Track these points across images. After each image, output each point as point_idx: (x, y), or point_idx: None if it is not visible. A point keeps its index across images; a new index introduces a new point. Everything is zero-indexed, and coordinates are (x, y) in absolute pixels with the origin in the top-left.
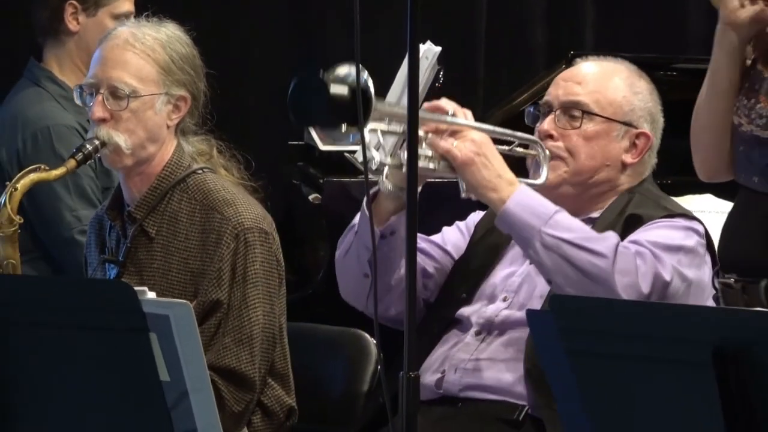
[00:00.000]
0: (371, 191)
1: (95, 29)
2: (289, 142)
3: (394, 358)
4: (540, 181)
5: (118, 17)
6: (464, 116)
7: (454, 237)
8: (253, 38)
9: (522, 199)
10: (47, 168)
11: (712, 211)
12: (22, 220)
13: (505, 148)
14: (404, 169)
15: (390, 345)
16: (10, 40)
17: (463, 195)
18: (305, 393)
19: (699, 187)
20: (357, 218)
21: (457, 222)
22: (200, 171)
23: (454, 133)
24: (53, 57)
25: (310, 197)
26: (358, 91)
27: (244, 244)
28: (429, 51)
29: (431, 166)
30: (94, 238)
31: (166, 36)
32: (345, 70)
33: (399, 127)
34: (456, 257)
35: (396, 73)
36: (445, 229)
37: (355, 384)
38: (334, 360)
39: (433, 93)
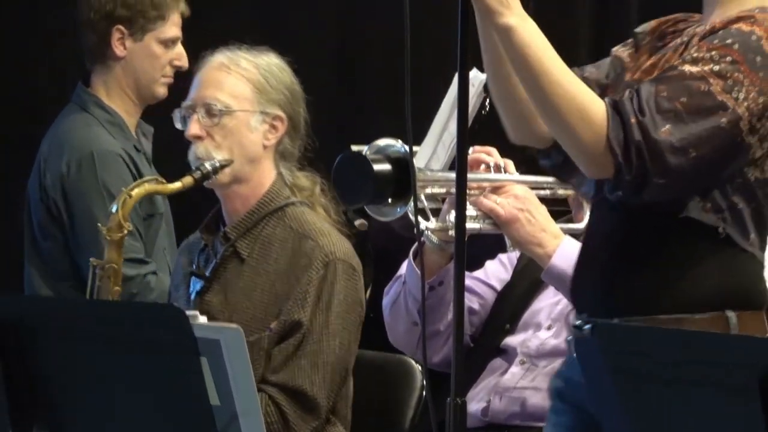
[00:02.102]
0: (418, 245)
1: (142, 54)
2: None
3: (440, 386)
4: (582, 225)
5: (165, 42)
6: (505, 168)
7: (497, 270)
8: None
9: (567, 252)
10: (164, 181)
11: None
12: (131, 227)
13: (547, 192)
14: (450, 232)
15: (435, 374)
16: (59, 63)
17: (509, 250)
18: (352, 418)
19: None
20: (403, 268)
21: (500, 254)
22: (299, 203)
23: (496, 189)
24: (101, 82)
25: (357, 222)
26: (411, 169)
27: (333, 272)
28: (475, 78)
29: (476, 225)
30: (182, 262)
31: (262, 61)
32: (384, 143)
33: (443, 189)
34: (500, 289)
35: (441, 95)
36: (488, 263)
37: (399, 411)
38: (379, 386)
39: (480, 120)
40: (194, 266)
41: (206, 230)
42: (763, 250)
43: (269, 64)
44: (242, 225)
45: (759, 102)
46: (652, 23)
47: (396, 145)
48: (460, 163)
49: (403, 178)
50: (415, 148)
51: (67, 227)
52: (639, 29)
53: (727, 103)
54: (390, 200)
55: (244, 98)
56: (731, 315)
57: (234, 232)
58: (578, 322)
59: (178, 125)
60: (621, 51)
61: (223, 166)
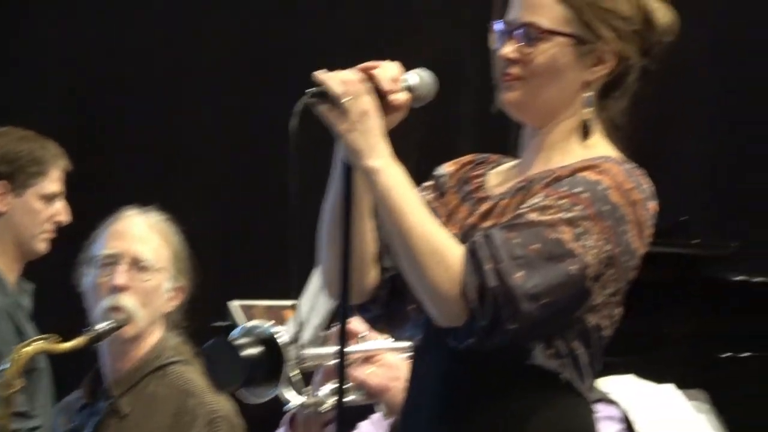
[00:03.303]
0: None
1: (22, 210)
2: (212, 324)
3: None
4: None
5: (46, 197)
6: (377, 336)
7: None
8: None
9: None
10: (59, 339)
11: (634, 394)
12: (23, 384)
13: None
14: (324, 407)
15: None
16: None
17: (384, 418)
18: None
19: (622, 368)
20: None
21: (372, 415)
22: (182, 362)
23: (368, 359)
24: None
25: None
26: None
27: (217, 430)
28: None
29: (349, 397)
30: (59, 422)
31: (172, 229)
32: (251, 325)
33: (316, 363)
34: None
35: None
36: (361, 424)
37: None
38: None
39: None
40: (73, 425)
41: (87, 388)
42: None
43: (177, 232)
44: (125, 382)
45: (605, 250)
46: (450, 167)
47: (263, 326)
48: (341, 337)
49: (273, 359)
50: (280, 328)
51: None
52: (438, 172)
53: (576, 251)
54: (262, 383)
55: (165, 260)
56: None
57: (117, 389)
58: None
59: (93, 269)
60: (422, 194)
61: (117, 328)
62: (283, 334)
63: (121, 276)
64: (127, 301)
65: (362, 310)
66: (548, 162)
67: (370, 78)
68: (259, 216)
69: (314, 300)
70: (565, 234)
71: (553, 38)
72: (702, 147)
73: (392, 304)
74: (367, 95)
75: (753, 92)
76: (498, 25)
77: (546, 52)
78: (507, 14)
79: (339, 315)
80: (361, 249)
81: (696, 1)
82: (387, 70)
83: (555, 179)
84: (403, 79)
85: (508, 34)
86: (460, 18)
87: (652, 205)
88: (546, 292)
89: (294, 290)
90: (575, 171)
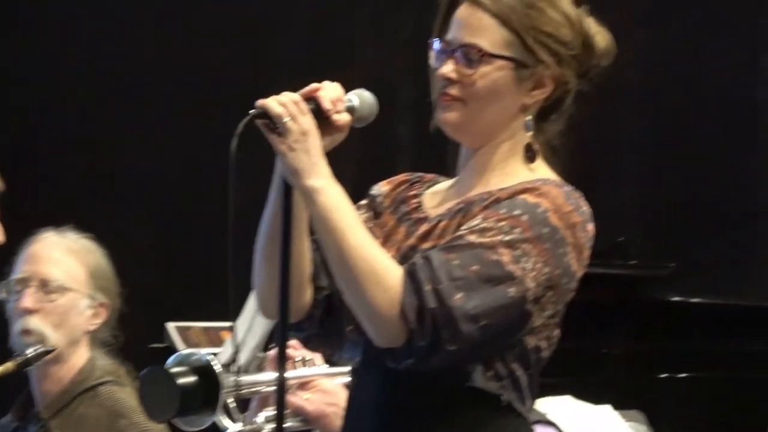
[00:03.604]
0: None
1: None
2: (149, 345)
3: None
4: None
5: None
6: (312, 362)
7: None
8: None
9: None
10: None
11: (571, 415)
12: None
13: None
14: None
15: None
16: None
17: None
18: None
19: (559, 389)
20: None
21: None
22: (111, 382)
23: (304, 385)
24: None
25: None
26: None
27: None
28: None
29: (286, 423)
30: None
31: (92, 246)
32: (187, 352)
33: (252, 390)
34: None
35: None
36: None
37: None
38: None
39: None
40: None
41: (17, 411)
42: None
43: (97, 251)
44: (55, 404)
45: (544, 273)
46: (385, 186)
47: (198, 353)
48: (280, 360)
49: (209, 388)
50: (217, 350)
51: None
52: (374, 191)
53: (515, 273)
54: (198, 411)
55: (78, 280)
56: None
57: (47, 411)
58: None
59: (2, 295)
60: (358, 212)
61: (46, 352)
62: (219, 362)
63: (28, 299)
64: (36, 323)
65: (297, 329)
66: (487, 184)
67: (313, 99)
68: (197, 237)
69: (251, 321)
70: (504, 256)
71: (493, 61)
72: (637, 169)
73: (327, 323)
74: (306, 116)
75: (687, 113)
76: (438, 44)
77: (486, 75)
78: (447, 33)
79: (277, 337)
80: (298, 268)
81: (629, 24)
82: (329, 91)
83: (494, 201)
84: (346, 100)
85: (448, 54)
86: (396, 38)
87: (591, 227)
88: (485, 313)
89: (232, 311)
90: (515, 193)
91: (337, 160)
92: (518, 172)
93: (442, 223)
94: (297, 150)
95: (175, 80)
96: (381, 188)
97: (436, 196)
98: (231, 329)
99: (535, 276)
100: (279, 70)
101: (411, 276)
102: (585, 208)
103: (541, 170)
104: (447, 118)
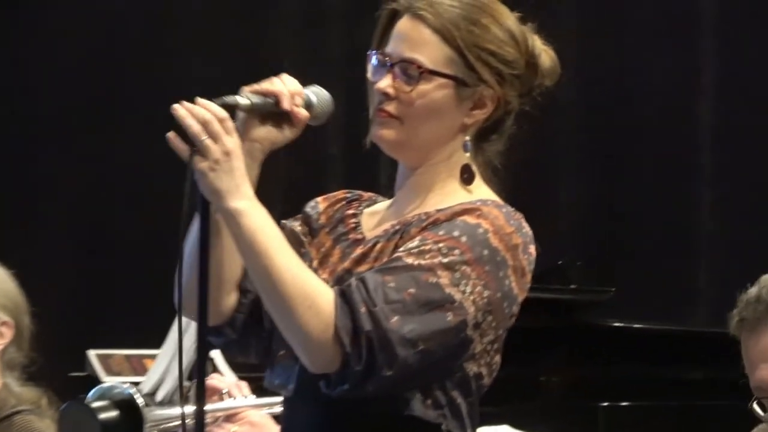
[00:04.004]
0: None
1: None
2: (69, 374)
3: None
4: None
5: None
6: (240, 392)
7: None
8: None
9: None
10: None
11: None
12: None
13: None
14: None
15: None
16: None
17: None
18: None
19: (496, 417)
20: None
21: None
22: (27, 411)
23: (231, 417)
24: None
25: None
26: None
27: None
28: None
29: None
30: None
31: None
32: (108, 386)
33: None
34: None
35: None
36: None
37: None
38: None
39: None
40: None
41: None
42: None
43: None
44: None
45: (484, 296)
46: (322, 203)
47: (120, 387)
48: (198, 396)
49: (131, 422)
50: (140, 379)
51: None
52: (309, 208)
53: (454, 296)
54: None
55: None
56: None
57: None
58: None
59: None
60: (294, 225)
61: None
62: (141, 393)
63: None
64: None
65: (217, 334)
66: (425, 204)
67: (273, 95)
68: (120, 262)
69: (175, 349)
70: (443, 278)
71: (433, 79)
72: (575, 191)
73: (247, 329)
74: (232, 135)
75: (626, 138)
76: (376, 57)
77: (425, 93)
78: (386, 45)
79: (195, 372)
80: (222, 270)
81: (569, 47)
82: (288, 84)
83: (432, 222)
84: (304, 95)
85: (386, 67)
86: (326, 54)
87: (533, 249)
88: (423, 338)
89: (155, 339)
90: (454, 215)
91: (264, 181)
92: (457, 193)
93: (379, 245)
94: (218, 171)
95: (90, 99)
96: (318, 205)
97: (374, 217)
98: (154, 357)
99: (474, 300)
100: (196, 85)
101: (345, 298)
102: (526, 229)
103: (481, 191)
104: (383, 135)
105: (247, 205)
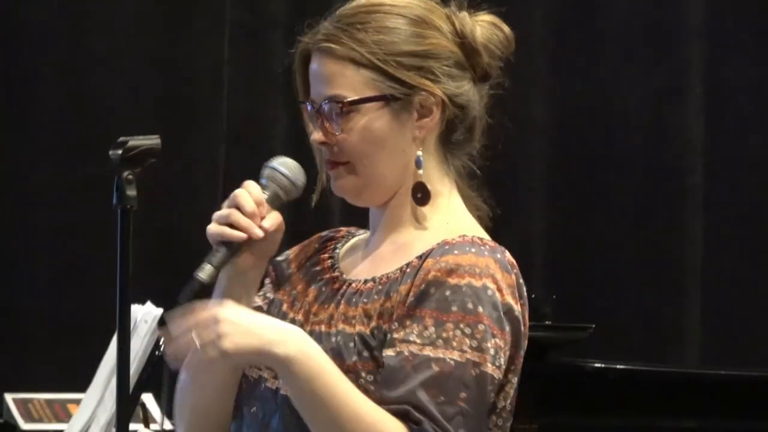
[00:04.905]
0: None
1: None
2: None
3: None
4: None
5: None
6: None
7: None
8: None
9: None
10: None
11: None
12: None
13: None
14: None
15: None
16: None
17: None
18: None
19: None
20: None
21: None
22: None
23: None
24: None
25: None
26: None
27: None
28: (148, 314)
29: None
30: None
31: None
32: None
33: None
34: None
35: None
36: None
37: None
38: None
39: (153, 362)
40: None
41: None
42: None
43: None
44: None
45: (507, 357)
46: (293, 252)
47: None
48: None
49: None
50: (63, 426)
51: None
52: (280, 258)
53: (495, 376)
54: None
55: None
56: None
57: None
58: None
59: None
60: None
61: None
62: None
63: None
64: None
65: None
66: (403, 248)
67: (229, 240)
68: (38, 296)
69: (103, 392)
70: (485, 366)
71: (360, 108)
72: (549, 220)
73: None
74: (227, 336)
75: (600, 167)
76: (305, 106)
77: (360, 125)
78: (311, 92)
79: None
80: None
81: (536, 71)
82: (245, 204)
83: (425, 285)
84: (267, 196)
85: (317, 115)
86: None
87: (524, 289)
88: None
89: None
90: (449, 272)
91: None
92: (434, 226)
93: (355, 285)
94: (239, 350)
95: None
96: (288, 257)
97: (351, 253)
98: (79, 402)
99: (502, 367)
100: (138, 124)
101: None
102: (516, 269)
103: (455, 215)
104: (342, 186)
105: (293, 350)
